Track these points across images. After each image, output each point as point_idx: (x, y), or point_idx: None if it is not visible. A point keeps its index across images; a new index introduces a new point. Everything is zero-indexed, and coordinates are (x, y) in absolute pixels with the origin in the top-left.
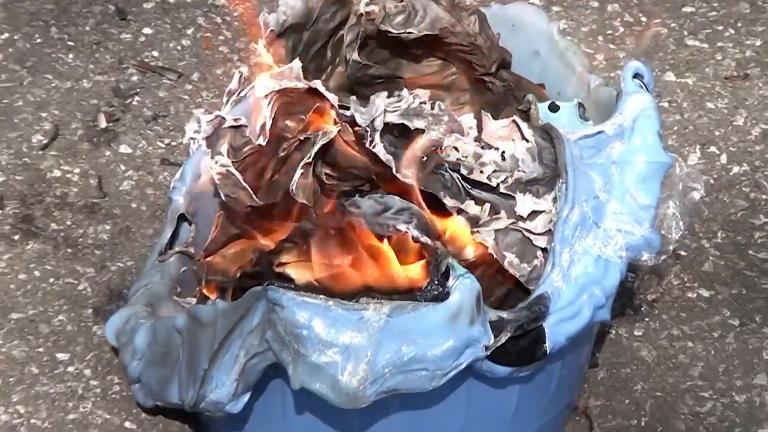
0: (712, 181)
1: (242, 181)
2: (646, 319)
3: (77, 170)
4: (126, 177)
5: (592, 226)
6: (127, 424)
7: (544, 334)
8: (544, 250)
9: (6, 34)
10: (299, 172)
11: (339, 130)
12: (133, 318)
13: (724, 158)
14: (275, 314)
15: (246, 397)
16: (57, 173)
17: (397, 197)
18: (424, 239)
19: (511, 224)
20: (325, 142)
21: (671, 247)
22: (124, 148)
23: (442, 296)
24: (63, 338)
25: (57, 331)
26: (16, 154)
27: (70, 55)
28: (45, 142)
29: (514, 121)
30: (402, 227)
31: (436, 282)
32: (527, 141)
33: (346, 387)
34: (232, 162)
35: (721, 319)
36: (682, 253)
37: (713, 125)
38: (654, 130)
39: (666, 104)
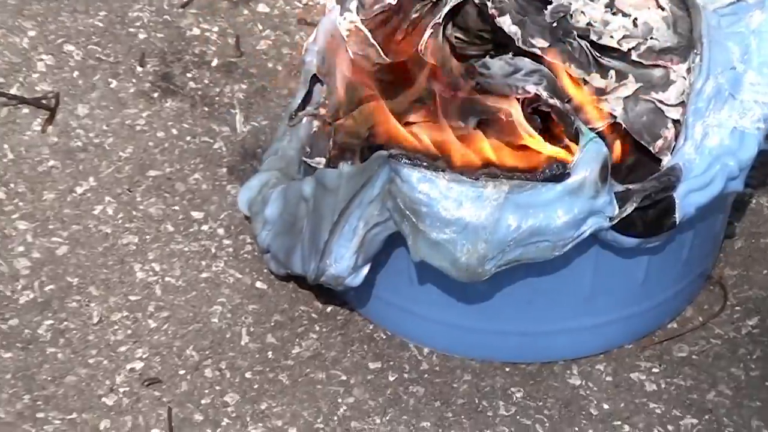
0: None
1: (371, 38)
2: None
3: (216, 29)
4: (263, 36)
5: (728, 98)
6: (258, 284)
7: (674, 204)
8: (676, 121)
9: None
10: (428, 32)
11: None
12: (264, 187)
13: None
14: (395, 186)
15: (365, 270)
16: (196, 31)
17: (527, 59)
18: (554, 101)
19: (639, 89)
20: (455, 3)
21: None
22: (262, 7)
23: (563, 177)
24: (198, 197)
25: (192, 190)
26: (158, 11)
27: None
28: (185, 0)
29: None
30: (531, 88)
31: (557, 164)
32: (662, 9)
33: (465, 264)
34: (362, 20)
35: None
36: None
37: None
38: None
39: None
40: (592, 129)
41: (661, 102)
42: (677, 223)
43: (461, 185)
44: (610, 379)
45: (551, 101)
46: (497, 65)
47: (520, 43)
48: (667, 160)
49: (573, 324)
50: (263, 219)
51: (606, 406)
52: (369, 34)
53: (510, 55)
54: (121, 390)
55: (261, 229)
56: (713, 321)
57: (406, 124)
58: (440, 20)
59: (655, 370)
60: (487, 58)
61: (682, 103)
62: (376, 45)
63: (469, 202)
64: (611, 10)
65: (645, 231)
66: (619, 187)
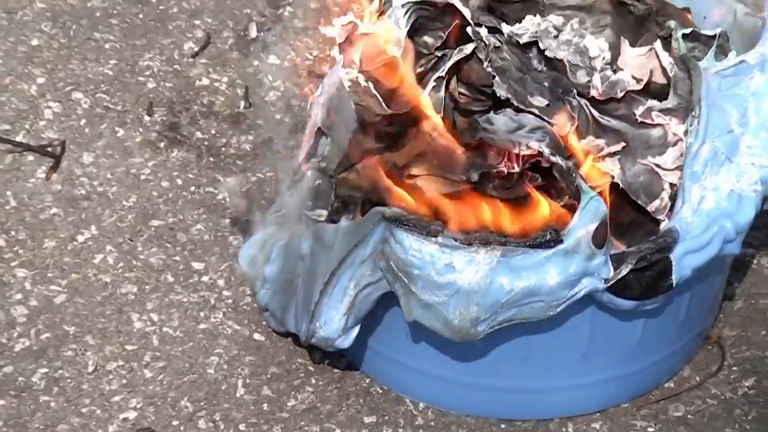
0: None
1: (372, 89)
2: None
3: (225, 79)
4: (272, 87)
5: (724, 161)
6: (256, 335)
7: (671, 266)
8: (673, 184)
9: None
10: (431, 85)
11: (475, 48)
12: (266, 244)
13: None
14: (389, 247)
15: (355, 331)
16: (205, 81)
17: (531, 116)
18: (556, 158)
19: (636, 152)
20: (459, 58)
21: None
22: (272, 59)
23: (556, 243)
24: (199, 247)
25: (194, 240)
26: (168, 61)
27: None
28: (196, 50)
29: (653, 49)
30: (534, 145)
31: (550, 230)
32: (665, 70)
33: (458, 326)
34: (365, 71)
35: None
36: None
37: None
38: None
39: None
40: (592, 188)
41: (658, 166)
42: (674, 285)
43: (454, 250)
44: None
45: (553, 158)
46: (501, 121)
47: (517, 103)
48: (664, 224)
49: (569, 382)
50: (263, 277)
51: None
52: (371, 86)
53: (513, 110)
54: None
55: (260, 287)
56: (710, 381)
57: (409, 176)
58: (443, 74)
59: (650, 429)
60: (491, 114)
61: (680, 168)
62: (378, 96)
63: (461, 266)
64: (611, 67)
65: (641, 293)
66: (615, 249)
